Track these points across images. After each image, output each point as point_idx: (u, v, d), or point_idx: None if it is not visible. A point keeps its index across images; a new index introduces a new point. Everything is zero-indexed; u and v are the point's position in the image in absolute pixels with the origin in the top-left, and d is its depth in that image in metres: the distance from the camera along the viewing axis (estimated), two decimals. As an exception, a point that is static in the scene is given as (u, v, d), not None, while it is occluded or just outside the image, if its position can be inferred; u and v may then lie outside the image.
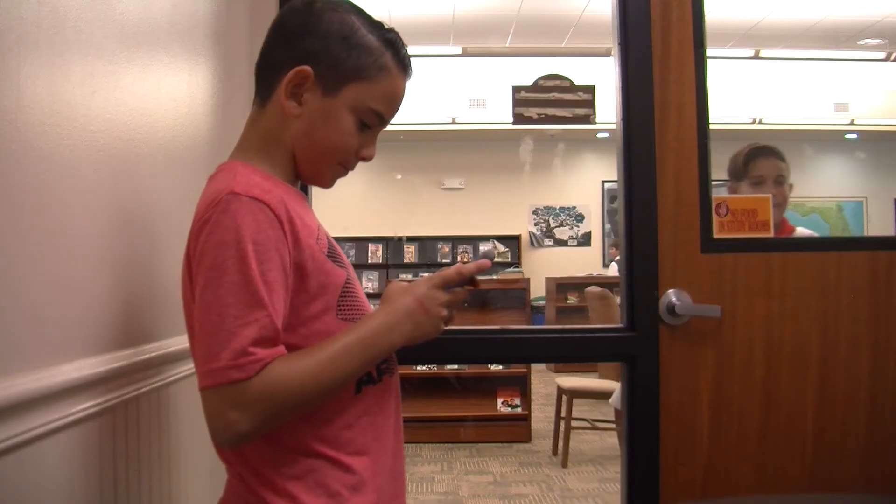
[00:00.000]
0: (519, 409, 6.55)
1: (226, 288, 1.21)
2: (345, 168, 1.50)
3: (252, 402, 1.21)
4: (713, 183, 2.46)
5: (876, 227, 11.94)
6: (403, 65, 1.46)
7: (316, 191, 2.57)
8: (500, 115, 9.00)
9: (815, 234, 3.05)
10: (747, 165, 2.70)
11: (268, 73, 1.45)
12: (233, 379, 1.20)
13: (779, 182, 2.73)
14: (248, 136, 1.48)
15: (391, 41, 1.46)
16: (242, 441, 1.26)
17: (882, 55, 9.27)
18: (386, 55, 1.44)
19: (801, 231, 2.83)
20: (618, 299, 2.73)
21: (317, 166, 1.48)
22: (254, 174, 1.33)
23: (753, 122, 10.14)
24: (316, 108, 1.41)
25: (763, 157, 2.68)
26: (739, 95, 9.37)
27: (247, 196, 1.25)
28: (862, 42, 8.93)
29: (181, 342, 1.83)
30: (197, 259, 1.25)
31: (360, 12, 1.46)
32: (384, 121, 1.47)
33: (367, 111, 1.43)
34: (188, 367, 1.86)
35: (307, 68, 1.38)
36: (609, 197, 11.99)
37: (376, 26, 1.46)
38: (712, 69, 2.47)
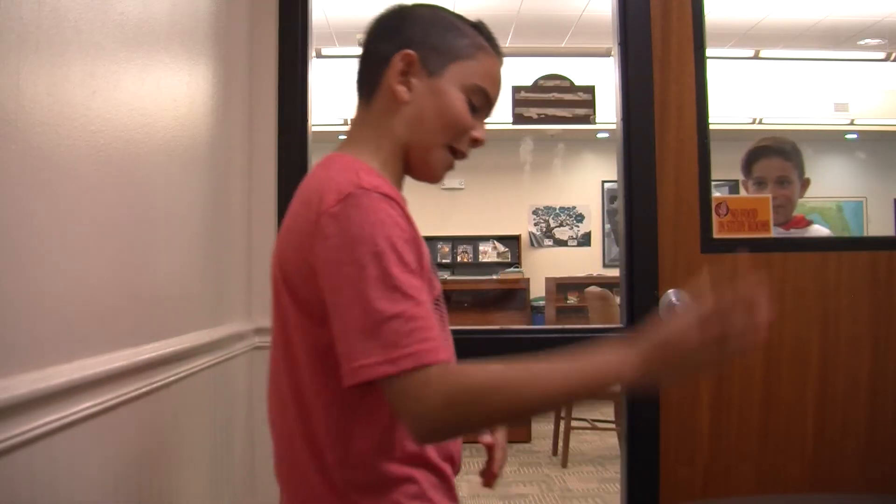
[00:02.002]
0: (519, 409, 6.55)
1: (369, 283, 1.18)
2: (454, 154, 1.48)
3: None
4: (713, 183, 2.47)
5: (876, 227, 11.91)
6: (496, 48, 1.48)
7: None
8: (499, 115, 9.00)
9: (829, 233, 3.00)
10: (750, 166, 2.69)
11: (372, 69, 1.45)
12: (387, 373, 1.15)
13: (781, 182, 2.69)
14: (358, 132, 1.47)
15: (480, 26, 1.48)
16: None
17: (882, 55, 9.26)
18: (479, 37, 1.46)
19: (817, 228, 2.78)
20: (618, 299, 2.73)
21: (429, 153, 1.45)
22: (371, 173, 1.31)
23: (753, 123, 10.13)
24: (424, 91, 1.41)
25: (765, 157, 2.66)
26: (739, 95, 9.35)
27: (379, 194, 1.25)
28: (862, 42, 8.92)
29: (183, 342, 1.83)
30: (327, 251, 1.23)
31: (445, 8, 1.50)
32: (490, 102, 1.47)
33: (474, 88, 1.43)
34: (187, 367, 1.87)
35: (412, 52, 1.40)
36: (609, 197, 11.98)
37: (462, 17, 1.49)
38: (712, 69, 2.47)
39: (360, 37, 1.52)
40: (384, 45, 1.43)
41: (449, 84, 1.41)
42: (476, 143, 1.48)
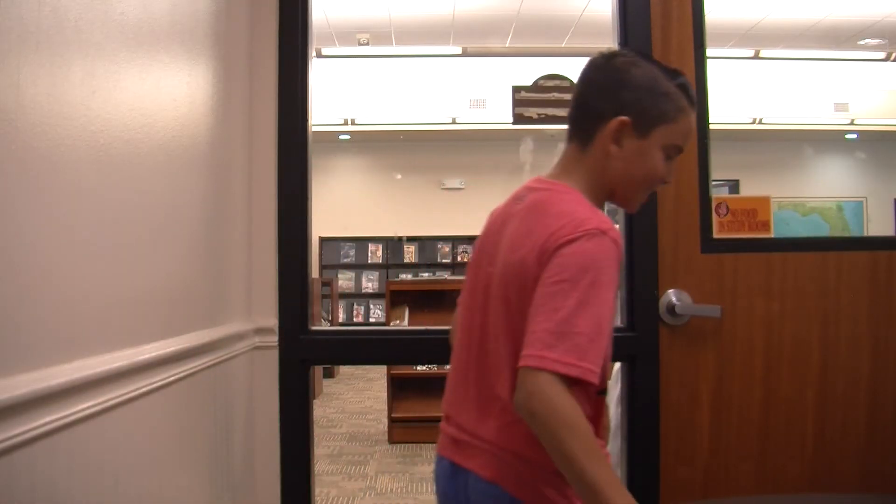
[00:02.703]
0: (519, 409, 6.55)
1: (577, 301, 1.46)
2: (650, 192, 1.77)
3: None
4: (713, 183, 2.47)
5: (876, 227, 11.92)
6: (693, 104, 1.71)
7: (316, 190, 2.58)
8: (500, 115, 8.99)
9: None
10: None
11: (587, 121, 1.69)
12: (560, 372, 1.42)
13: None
14: (574, 168, 1.71)
15: (684, 86, 1.69)
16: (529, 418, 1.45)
17: (882, 55, 9.27)
18: (682, 99, 1.68)
19: None
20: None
21: (633, 195, 1.73)
22: (600, 214, 1.61)
23: (753, 122, 10.13)
24: (632, 149, 1.66)
25: None
26: (739, 95, 9.36)
27: (611, 239, 1.53)
28: (862, 42, 8.93)
29: (183, 341, 1.83)
30: (558, 267, 1.51)
31: (654, 61, 1.72)
32: (681, 151, 1.72)
33: (672, 147, 1.68)
34: (187, 366, 1.87)
35: (627, 119, 1.64)
36: (609, 197, 11.98)
37: (670, 73, 1.70)
38: (712, 69, 2.47)
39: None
40: (601, 103, 1.67)
41: (653, 145, 1.66)
42: (664, 183, 1.73)
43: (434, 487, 1.77)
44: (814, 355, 2.39)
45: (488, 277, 1.69)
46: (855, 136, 11.32)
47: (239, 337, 2.32)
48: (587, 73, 1.72)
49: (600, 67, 1.70)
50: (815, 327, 2.39)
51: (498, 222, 1.75)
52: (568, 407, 1.40)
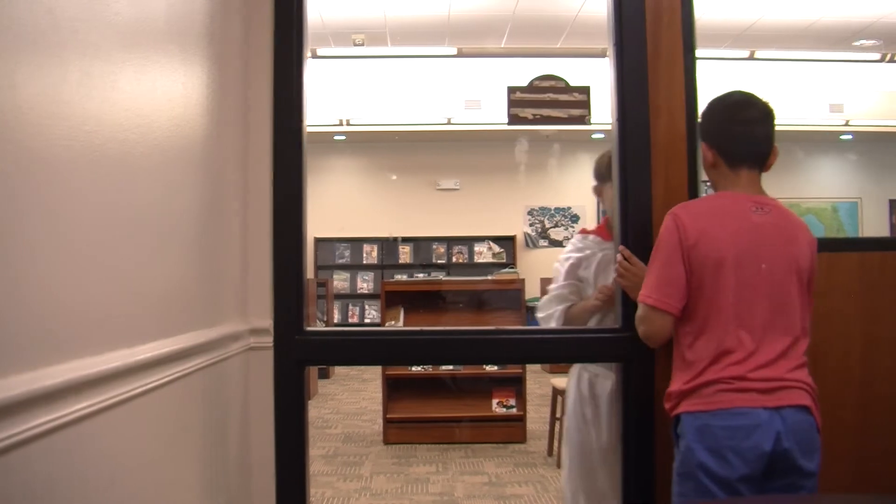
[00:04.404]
0: (514, 410, 6.55)
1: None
2: None
3: None
4: (707, 183, 2.47)
5: (870, 227, 11.96)
6: None
7: (311, 191, 2.58)
8: (495, 115, 9.00)
9: None
10: (610, 170, 2.67)
11: (769, 150, 2.31)
12: None
13: None
14: (760, 185, 2.30)
15: None
16: None
17: (877, 56, 9.28)
18: None
19: None
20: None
21: None
22: None
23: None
24: None
25: None
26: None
27: None
28: (857, 43, 8.94)
29: (178, 342, 1.83)
30: (814, 258, 2.24)
31: None
32: None
33: None
34: (182, 367, 1.87)
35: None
36: (604, 197, 12.00)
37: None
38: (707, 70, 2.48)
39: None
40: (772, 133, 2.32)
41: None
42: None
43: None
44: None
45: (766, 272, 2.15)
46: (850, 136, 11.33)
47: (234, 338, 2.32)
48: (768, 107, 2.32)
49: (768, 105, 2.32)
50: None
51: (746, 228, 2.17)
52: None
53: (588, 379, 2.88)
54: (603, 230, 2.91)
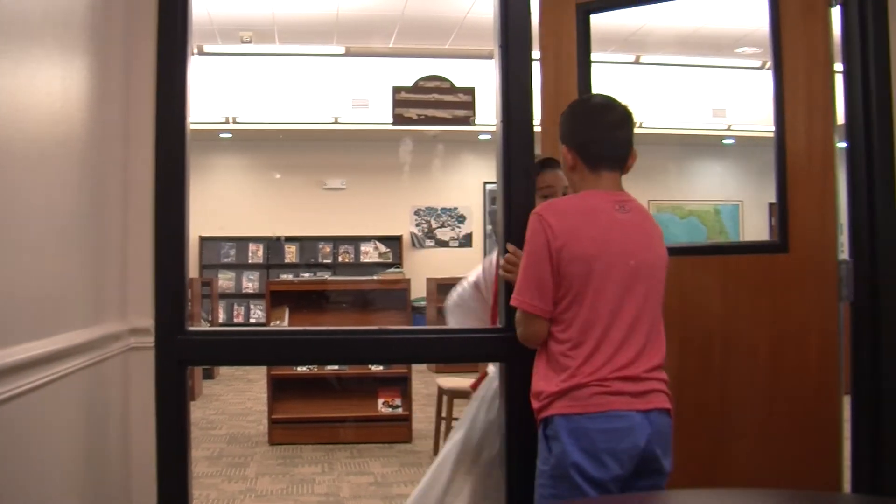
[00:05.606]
0: (400, 410, 6.57)
1: None
2: None
3: None
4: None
5: (751, 229, 12.43)
6: None
7: (196, 189, 2.55)
8: (382, 115, 8.97)
9: None
10: (536, 177, 2.72)
11: (628, 153, 2.29)
12: None
13: (566, 192, 2.77)
14: (621, 185, 2.29)
15: None
16: None
17: (758, 63, 9.66)
18: None
19: None
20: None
21: None
22: None
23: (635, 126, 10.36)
24: None
25: (550, 168, 2.69)
26: (621, 99, 9.56)
27: None
28: (739, 50, 9.31)
29: (56, 342, 1.79)
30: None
31: None
32: None
33: None
34: (59, 368, 1.83)
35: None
36: (491, 198, 12.10)
37: None
38: (595, 73, 2.55)
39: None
40: (632, 136, 2.28)
41: None
42: None
43: None
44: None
45: (633, 268, 2.18)
46: (732, 141, 11.75)
47: (114, 338, 2.28)
48: (629, 113, 2.28)
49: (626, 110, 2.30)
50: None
51: (604, 225, 2.18)
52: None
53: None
54: None
